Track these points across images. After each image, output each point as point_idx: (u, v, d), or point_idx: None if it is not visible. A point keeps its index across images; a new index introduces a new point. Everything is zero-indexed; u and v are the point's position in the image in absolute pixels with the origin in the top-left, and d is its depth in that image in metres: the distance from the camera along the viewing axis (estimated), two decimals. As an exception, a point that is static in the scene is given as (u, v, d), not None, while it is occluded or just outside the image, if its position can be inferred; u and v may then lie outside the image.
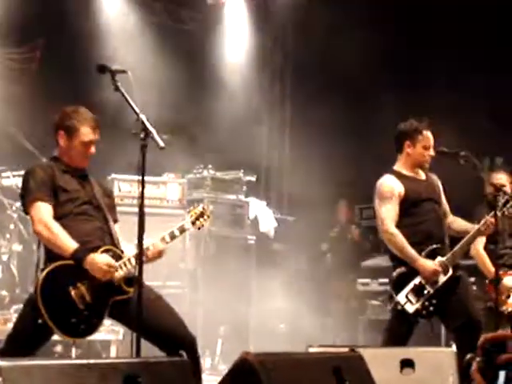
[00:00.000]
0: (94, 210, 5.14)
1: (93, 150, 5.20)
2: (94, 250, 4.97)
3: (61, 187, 5.04)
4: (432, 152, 6.38)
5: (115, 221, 5.29)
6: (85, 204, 5.11)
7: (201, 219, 5.40)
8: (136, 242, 4.64)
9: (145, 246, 4.96)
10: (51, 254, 4.97)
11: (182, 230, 5.30)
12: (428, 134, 6.38)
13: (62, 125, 5.18)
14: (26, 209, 5.09)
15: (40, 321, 4.79)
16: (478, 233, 6.33)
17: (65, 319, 4.85)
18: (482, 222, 6.28)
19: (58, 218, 4.99)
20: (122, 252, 5.08)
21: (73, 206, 5.05)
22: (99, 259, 4.92)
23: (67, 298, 4.85)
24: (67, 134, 5.16)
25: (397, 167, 6.47)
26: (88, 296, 4.89)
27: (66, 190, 5.06)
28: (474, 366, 3.54)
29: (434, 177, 6.58)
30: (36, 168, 5.11)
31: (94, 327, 5.00)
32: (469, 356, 5.88)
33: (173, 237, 5.23)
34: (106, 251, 5.00)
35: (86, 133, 5.15)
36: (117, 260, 5.00)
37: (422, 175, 6.50)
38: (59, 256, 4.91)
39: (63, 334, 4.90)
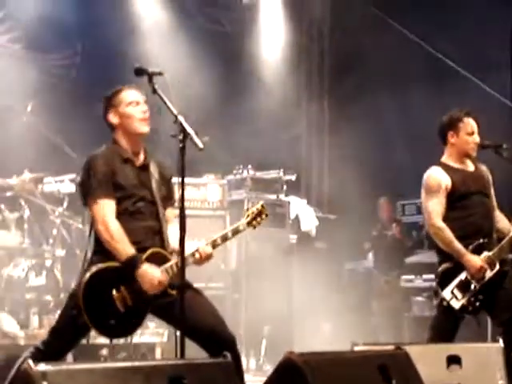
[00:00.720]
0: (147, 206, 5.08)
1: (143, 109, 5.09)
2: (143, 251, 4.96)
3: (119, 184, 5.00)
4: (477, 138, 6.29)
5: (172, 204, 5.21)
6: (140, 201, 5.06)
7: (258, 218, 5.30)
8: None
9: (192, 250, 4.96)
10: (100, 247, 4.97)
11: (236, 232, 5.21)
12: (469, 120, 6.31)
13: (109, 105, 5.14)
14: (86, 203, 5.06)
15: (79, 319, 4.82)
16: None
17: (104, 320, 4.86)
18: None
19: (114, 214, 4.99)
20: (171, 253, 5.06)
21: (128, 204, 5.02)
22: (152, 273, 4.90)
23: (109, 301, 4.85)
24: (114, 109, 5.12)
25: (444, 159, 6.38)
26: (130, 300, 4.90)
27: (124, 187, 5.01)
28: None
29: (484, 168, 6.47)
30: (98, 160, 5.03)
31: (132, 329, 5.03)
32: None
33: (225, 239, 5.15)
34: (154, 254, 4.99)
35: (130, 94, 5.11)
36: (163, 262, 4.98)
37: (471, 166, 6.40)
38: (107, 251, 4.91)
39: (101, 333, 4.96)
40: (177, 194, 5.05)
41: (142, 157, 5.18)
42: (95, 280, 4.87)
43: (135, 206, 5.05)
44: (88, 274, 4.87)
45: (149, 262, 4.93)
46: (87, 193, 5.03)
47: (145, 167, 5.17)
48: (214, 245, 5.09)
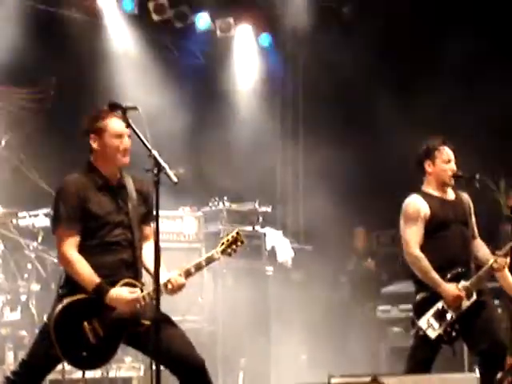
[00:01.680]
0: (124, 233, 5.07)
1: (126, 142, 5.08)
2: (115, 283, 4.96)
3: (93, 213, 5.00)
4: (453, 166, 6.34)
5: (152, 220, 5.14)
6: (116, 228, 5.05)
7: (234, 246, 5.26)
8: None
9: (166, 280, 4.96)
10: (70, 279, 4.98)
11: (211, 260, 5.19)
12: (445, 148, 6.37)
13: (92, 128, 5.11)
14: (53, 232, 5.10)
15: (51, 351, 4.85)
16: (492, 269, 6.25)
17: (76, 352, 4.88)
18: (491, 260, 6.20)
19: (83, 247, 4.99)
20: (143, 285, 5.07)
21: (103, 233, 5.02)
22: (121, 294, 4.92)
23: (80, 332, 4.87)
24: (98, 135, 5.09)
25: (424, 187, 6.42)
26: (101, 330, 4.91)
27: (98, 215, 5.01)
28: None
29: (465, 196, 6.50)
30: (69, 187, 5.03)
31: (105, 360, 5.04)
32: (501, 375, 5.86)
33: (199, 268, 5.14)
34: (126, 285, 4.99)
35: (116, 125, 5.07)
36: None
37: (451, 195, 6.44)
38: (77, 283, 4.92)
39: (73, 365, 5.01)
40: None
41: (117, 178, 5.17)
42: (66, 312, 4.89)
43: (111, 235, 5.04)
44: (59, 307, 4.90)
45: None
46: (54, 221, 5.08)
47: (121, 186, 5.15)
48: (188, 274, 5.09)
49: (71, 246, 4.96)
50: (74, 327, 4.86)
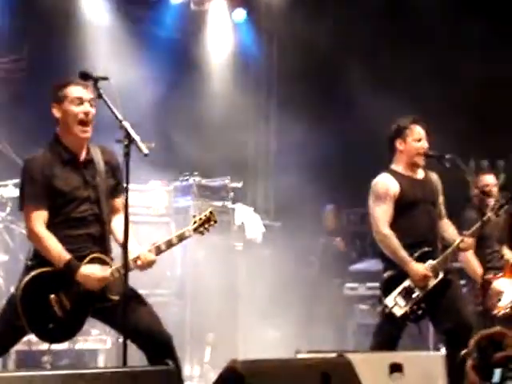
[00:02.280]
0: (92, 208, 5.05)
1: (87, 109, 5.00)
2: (83, 258, 4.94)
3: (59, 190, 4.97)
4: (425, 144, 6.36)
5: (121, 192, 5.07)
6: (83, 203, 5.02)
7: (206, 225, 5.28)
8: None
9: (135, 255, 4.95)
10: (38, 252, 4.98)
11: (182, 238, 5.19)
12: (416, 127, 6.39)
13: (55, 96, 5.06)
14: (20, 208, 5.08)
15: (17, 322, 4.84)
16: (458, 249, 6.31)
17: (42, 325, 4.87)
18: (458, 240, 6.27)
19: (50, 223, 4.96)
20: (111, 260, 5.06)
21: (70, 209, 4.99)
22: (91, 272, 4.91)
23: (46, 305, 4.87)
24: (59, 103, 5.04)
25: (393, 166, 6.44)
26: (68, 304, 4.91)
27: (64, 192, 4.98)
28: (469, 362, 3.53)
29: (434, 176, 6.54)
30: (33, 165, 4.99)
31: (71, 334, 5.05)
32: (464, 352, 5.91)
33: (170, 245, 5.14)
34: (94, 259, 4.98)
35: (75, 91, 5.01)
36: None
37: (420, 174, 6.47)
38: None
39: (39, 337, 4.98)
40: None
41: (84, 151, 5.11)
42: (33, 284, 4.88)
43: (78, 211, 5.01)
44: (26, 278, 4.89)
45: None
46: (21, 198, 5.06)
47: (88, 159, 5.10)
48: (158, 251, 5.08)
49: (39, 223, 4.93)
50: (41, 299, 4.86)
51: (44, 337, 4.99)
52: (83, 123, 5.03)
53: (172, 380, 3.91)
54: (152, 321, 5.00)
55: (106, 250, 5.09)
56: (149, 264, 5.05)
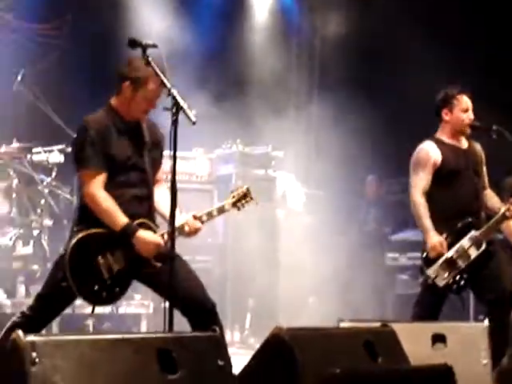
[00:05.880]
0: (138, 174, 5.08)
1: (154, 105, 5.07)
2: (129, 219, 4.97)
3: (112, 156, 4.99)
4: (471, 115, 6.30)
5: (162, 164, 5.22)
6: (131, 170, 5.06)
7: (243, 201, 5.30)
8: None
9: (181, 223, 4.98)
10: (85, 215, 5.00)
11: (221, 211, 5.24)
12: (463, 97, 6.31)
13: (130, 76, 5.03)
14: (77, 171, 5.09)
15: (64, 283, 4.87)
16: (504, 217, 6.24)
17: (88, 286, 4.91)
18: (503, 209, 6.17)
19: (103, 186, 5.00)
20: (157, 226, 5.10)
21: (118, 174, 5.02)
22: (148, 238, 4.96)
23: (94, 266, 4.90)
24: (133, 86, 5.02)
25: (438, 135, 6.38)
26: (115, 266, 4.95)
27: (116, 159, 5.00)
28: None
29: (478, 147, 6.45)
30: (94, 126, 4.98)
31: (115, 297, 5.07)
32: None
33: (210, 217, 5.18)
34: (140, 224, 5.01)
35: (153, 89, 5.00)
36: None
37: (465, 144, 6.39)
38: (94, 218, 4.94)
39: (84, 299, 5.00)
40: (168, 167, 5.05)
41: (135, 120, 5.15)
42: (81, 246, 4.91)
43: (125, 176, 5.05)
44: (74, 240, 4.91)
45: None
46: (78, 162, 5.04)
47: (138, 130, 5.13)
48: (200, 221, 5.13)
49: (98, 186, 4.95)
50: (88, 261, 4.89)
51: (89, 299, 5.00)
52: (147, 112, 5.11)
53: (219, 346, 3.94)
54: (197, 287, 5.04)
55: (150, 213, 5.13)
56: (196, 231, 5.10)
